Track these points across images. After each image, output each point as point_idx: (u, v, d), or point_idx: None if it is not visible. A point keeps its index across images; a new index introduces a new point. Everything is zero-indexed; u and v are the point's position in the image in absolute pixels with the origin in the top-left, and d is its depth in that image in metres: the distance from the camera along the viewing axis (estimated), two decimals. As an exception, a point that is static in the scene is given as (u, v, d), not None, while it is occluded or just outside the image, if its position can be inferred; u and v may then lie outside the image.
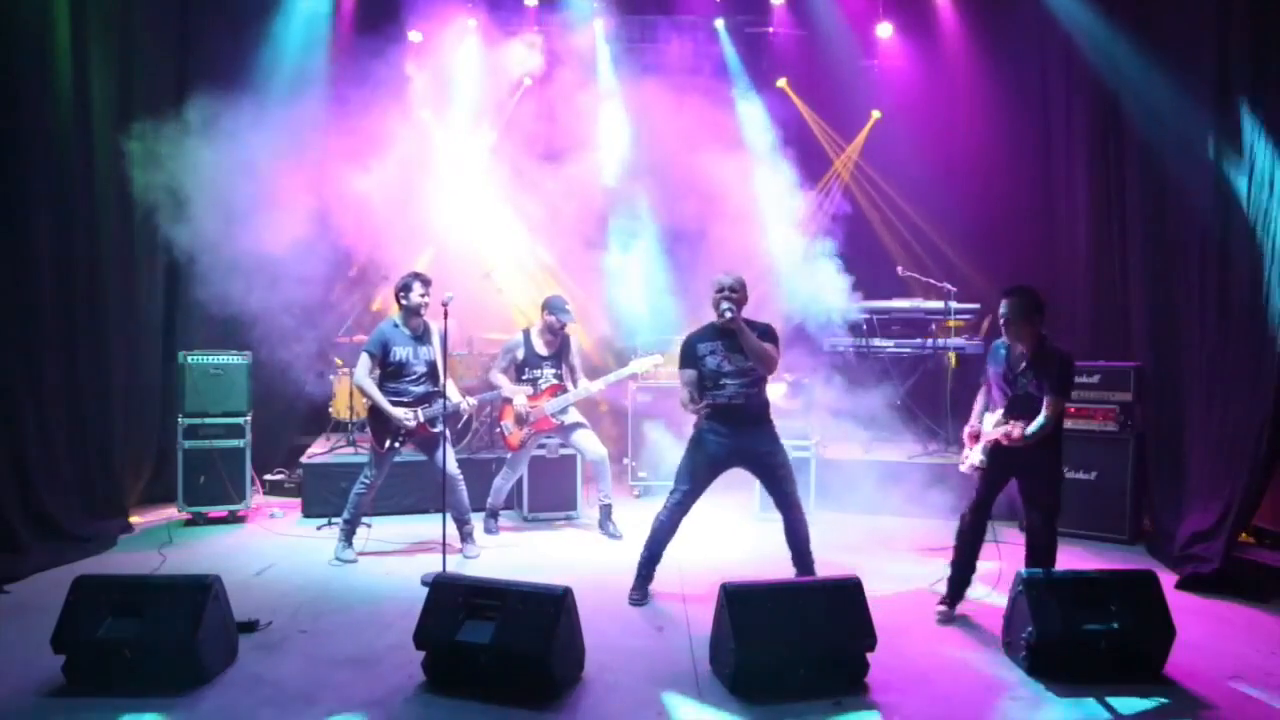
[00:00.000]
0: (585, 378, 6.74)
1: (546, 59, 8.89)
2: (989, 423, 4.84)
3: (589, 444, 6.71)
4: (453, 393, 6.08)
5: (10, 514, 5.67)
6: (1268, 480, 5.40)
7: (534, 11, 9.09)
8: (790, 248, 8.35)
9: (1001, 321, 4.76)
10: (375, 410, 5.95)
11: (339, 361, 8.24)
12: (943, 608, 4.96)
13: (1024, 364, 4.74)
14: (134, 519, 6.91)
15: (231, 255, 7.25)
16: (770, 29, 9.28)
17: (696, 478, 5.22)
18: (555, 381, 6.65)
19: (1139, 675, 4.18)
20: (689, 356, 5.19)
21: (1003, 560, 5.24)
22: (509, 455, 6.79)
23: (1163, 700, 4.01)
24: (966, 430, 5.00)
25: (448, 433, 5.95)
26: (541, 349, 6.68)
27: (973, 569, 5.01)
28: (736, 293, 5.06)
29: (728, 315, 4.92)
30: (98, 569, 5.44)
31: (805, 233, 8.59)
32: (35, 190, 6.11)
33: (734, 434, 5.13)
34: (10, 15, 5.91)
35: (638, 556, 5.35)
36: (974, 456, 4.83)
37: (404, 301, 5.99)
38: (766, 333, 5.15)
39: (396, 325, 6.03)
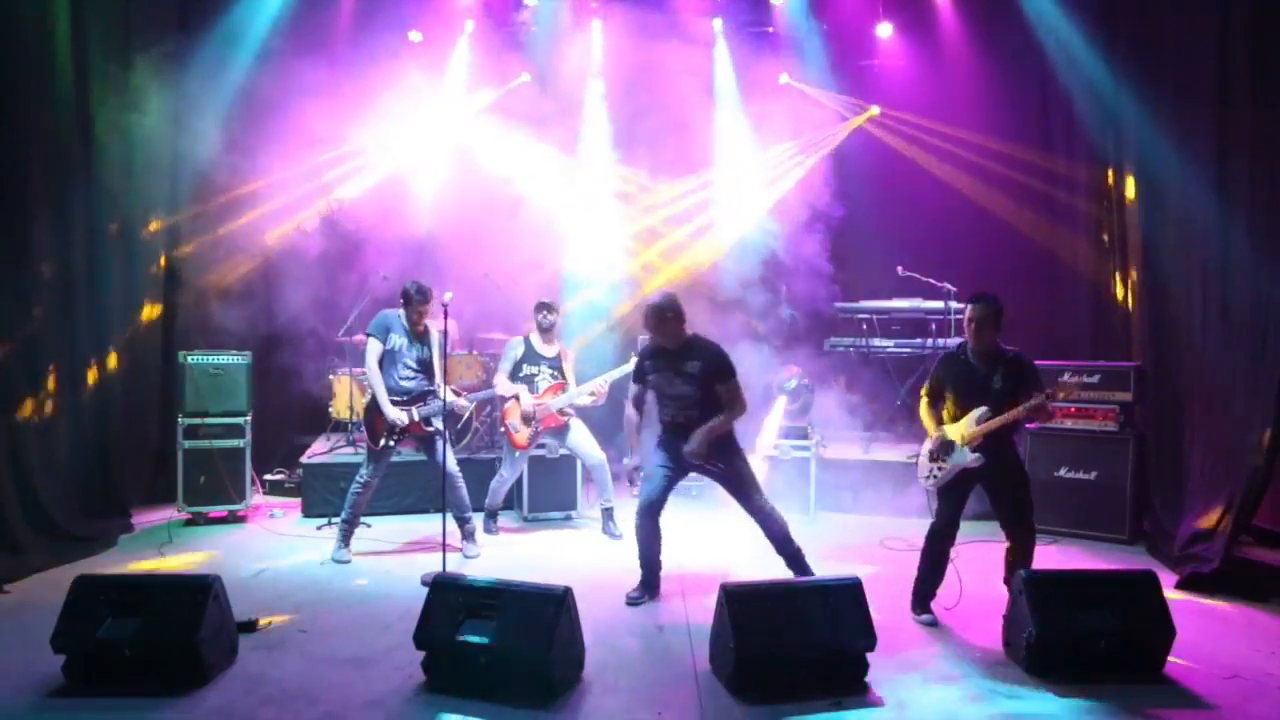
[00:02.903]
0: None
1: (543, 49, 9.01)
2: (967, 423, 4.84)
3: (587, 448, 6.74)
4: (449, 396, 6.07)
5: (10, 514, 5.68)
6: (1268, 480, 5.40)
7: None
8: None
9: (974, 324, 4.80)
10: (372, 404, 5.96)
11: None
12: (927, 616, 4.96)
13: (998, 368, 4.81)
14: (134, 519, 6.90)
15: (232, 243, 7.33)
16: (770, 29, 9.28)
17: (656, 481, 5.20)
18: (554, 381, 6.70)
19: (1139, 675, 4.18)
20: (640, 373, 5.22)
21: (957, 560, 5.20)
22: (505, 455, 6.80)
23: (1162, 700, 4.01)
24: (932, 442, 4.96)
25: (446, 432, 5.96)
26: (541, 349, 6.77)
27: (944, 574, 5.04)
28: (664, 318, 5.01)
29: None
30: (98, 569, 5.45)
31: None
32: (35, 190, 6.11)
33: (684, 445, 5.05)
34: (10, 17, 5.91)
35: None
36: (961, 459, 4.83)
37: (404, 307, 6.01)
38: (721, 371, 5.01)
39: (400, 315, 6.05)
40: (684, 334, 5.12)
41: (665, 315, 5.04)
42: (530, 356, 6.74)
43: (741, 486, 5.19)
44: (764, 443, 7.32)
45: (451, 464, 6.01)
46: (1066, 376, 6.65)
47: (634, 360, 6.62)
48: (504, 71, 9.02)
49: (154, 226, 7.57)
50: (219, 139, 7.51)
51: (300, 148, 7.87)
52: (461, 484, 6.07)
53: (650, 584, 5.31)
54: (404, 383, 6.00)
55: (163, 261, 7.76)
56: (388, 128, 8.39)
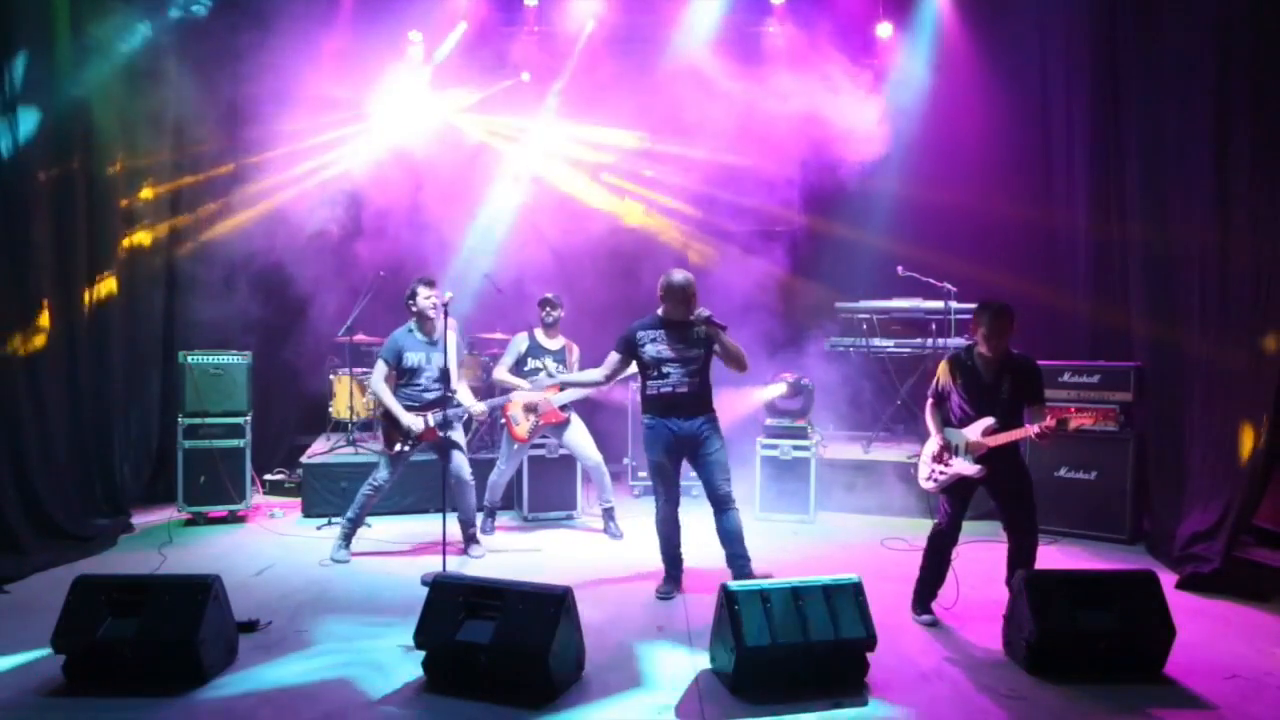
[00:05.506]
0: None
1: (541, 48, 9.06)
2: (973, 432, 4.84)
3: (585, 449, 6.75)
4: (465, 397, 6.11)
5: (10, 514, 5.67)
6: (1268, 480, 5.40)
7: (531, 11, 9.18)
8: None
9: (985, 332, 4.78)
10: (388, 413, 5.96)
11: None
12: (928, 616, 4.96)
13: (1005, 374, 4.80)
14: (134, 519, 6.90)
15: (233, 241, 7.34)
16: (771, 29, 9.28)
17: (667, 469, 5.30)
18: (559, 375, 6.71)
19: (1139, 675, 4.18)
20: (627, 343, 5.30)
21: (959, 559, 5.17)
22: (503, 448, 6.82)
23: (1162, 700, 4.01)
24: (935, 445, 4.95)
25: (463, 436, 5.97)
26: (546, 343, 6.81)
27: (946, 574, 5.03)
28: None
29: (706, 314, 5.07)
30: (98, 569, 5.45)
31: None
32: (35, 190, 6.10)
33: (677, 422, 5.21)
34: (10, 17, 5.90)
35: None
36: (963, 466, 4.82)
37: (413, 308, 6.01)
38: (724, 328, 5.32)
39: (411, 330, 6.04)
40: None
41: (691, 290, 5.24)
42: (535, 350, 6.80)
43: (717, 475, 5.27)
44: (763, 394, 7.44)
45: (466, 470, 6.03)
46: (1067, 376, 6.72)
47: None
48: (500, 68, 9.08)
49: (155, 224, 7.57)
50: (220, 134, 7.51)
51: (301, 142, 7.88)
52: (471, 491, 6.08)
53: (677, 578, 5.40)
54: (426, 394, 6.00)
55: (164, 260, 7.75)
56: (390, 110, 8.41)
